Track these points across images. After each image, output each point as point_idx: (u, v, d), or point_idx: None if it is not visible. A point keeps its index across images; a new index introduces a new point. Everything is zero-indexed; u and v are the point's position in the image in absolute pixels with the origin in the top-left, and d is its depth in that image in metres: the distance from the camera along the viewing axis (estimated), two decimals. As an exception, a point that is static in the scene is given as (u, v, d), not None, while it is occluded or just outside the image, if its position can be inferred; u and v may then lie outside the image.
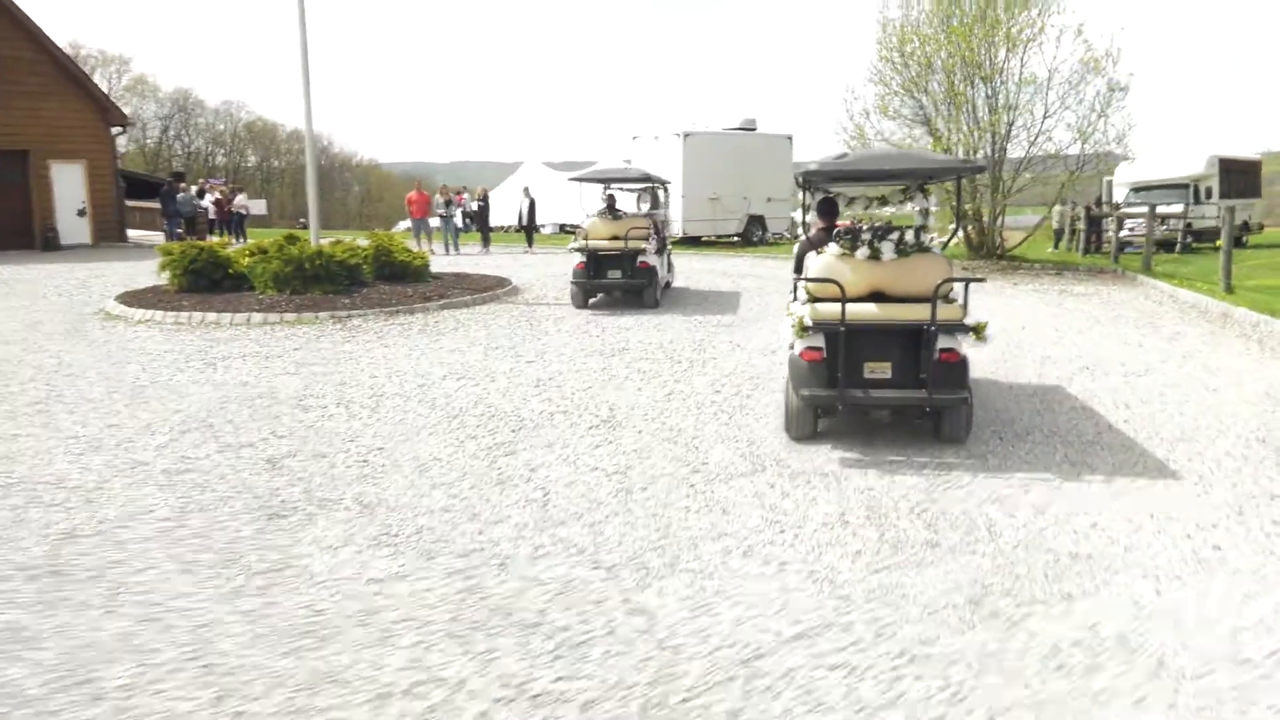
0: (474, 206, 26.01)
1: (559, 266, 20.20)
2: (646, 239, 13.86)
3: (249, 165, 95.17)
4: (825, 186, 8.53)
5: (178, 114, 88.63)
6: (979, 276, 7.38)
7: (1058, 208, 29.94)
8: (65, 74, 24.60)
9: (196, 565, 4.56)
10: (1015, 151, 18.82)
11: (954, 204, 9.16)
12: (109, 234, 25.41)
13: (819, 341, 6.54)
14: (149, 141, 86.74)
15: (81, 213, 24.97)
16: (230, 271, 14.03)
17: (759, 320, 12.53)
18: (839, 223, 8.30)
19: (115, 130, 25.85)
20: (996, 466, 6.07)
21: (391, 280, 14.87)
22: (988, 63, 18.41)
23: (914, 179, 8.17)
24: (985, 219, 19.83)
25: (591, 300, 13.95)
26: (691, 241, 27.03)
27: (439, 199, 24.25)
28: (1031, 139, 18.69)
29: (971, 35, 18.18)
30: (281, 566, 4.55)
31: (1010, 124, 18.64)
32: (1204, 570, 4.42)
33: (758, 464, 6.13)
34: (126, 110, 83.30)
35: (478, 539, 4.87)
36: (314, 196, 14.46)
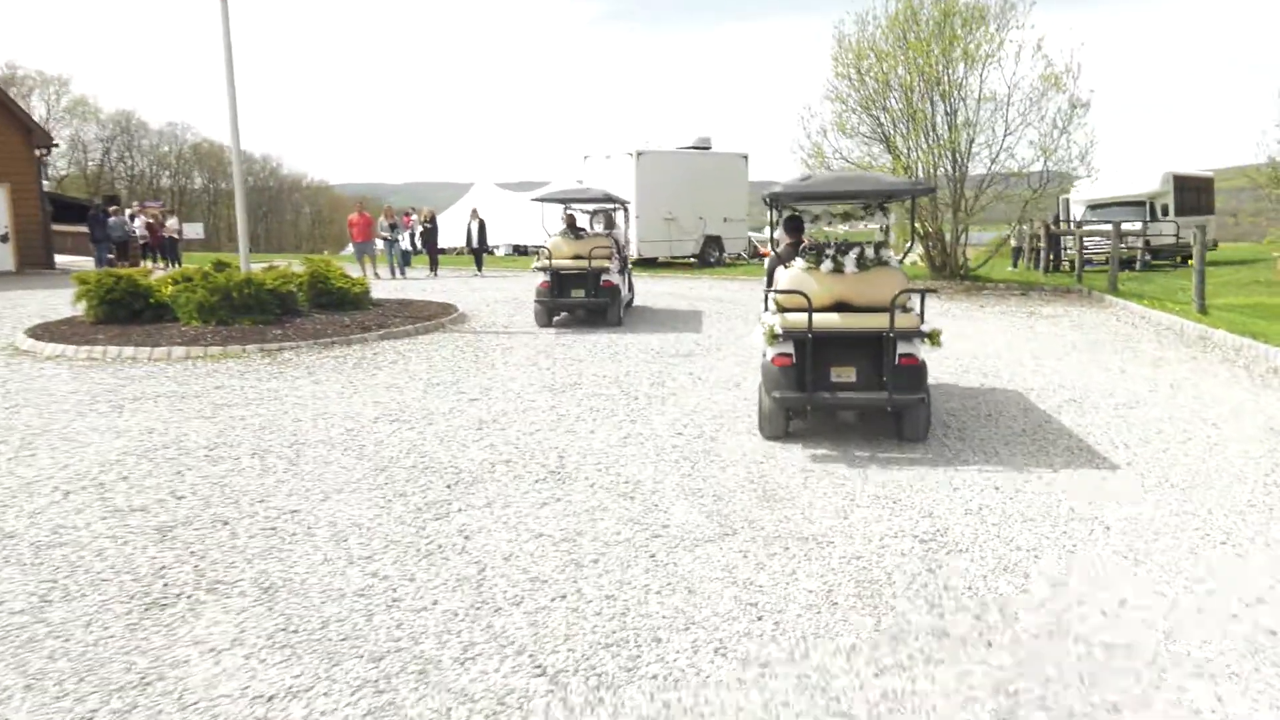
0: (420, 229, 25.09)
1: (510, 290, 19.39)
2: (609, 258, 13.95)
3: (195, 187, 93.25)
4: (791, 205, 8.98)
5: (120, 135, 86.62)
6: (932, 288, 8.91)
7: (1018, 226, 29.83)
8: (-19, 91, 23.34)
9: (42, 679, 3.69)
10: (977, 169, 18.39)
11: (912, 223, 9.99)
12: (34, 260, 24.13)
13: (789, 348, 7.14)
14: (90, 164, 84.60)
15: (4, 238, 23.68)
16: (152, 301, 13.04)
17: (720, 349, 11.82)
18: (803, 238, 8.82)
19: (39, 151, 24.60)
20: (997, 523, 5.37)
21: (329, 309, 13.96)
22: (946, 79, 17.96)
23: (870, 199, 8.72)
24: (947, 238, 19.34)
25: (555, 319, 14.03)
26: (647, 263, 26.33)
27: (383, 221, 23.29)
28: (993, 156, 18.26)
29: (929, 51, 17.73)
30: (151, 679, 3.69)
31: (971, 141, 18.20)
32: (1268, 666, 3.73)
33: (726, 525, 5.37)
34: (66, 132, 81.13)
35: (395, 634, 4.05)
36: (243, 218, 13.54)
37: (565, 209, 16.20)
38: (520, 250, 43.59)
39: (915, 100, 18.19)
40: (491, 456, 6.86)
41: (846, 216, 9.60)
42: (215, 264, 14.60)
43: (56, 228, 30.33)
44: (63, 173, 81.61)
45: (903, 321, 7.05)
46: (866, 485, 6.11)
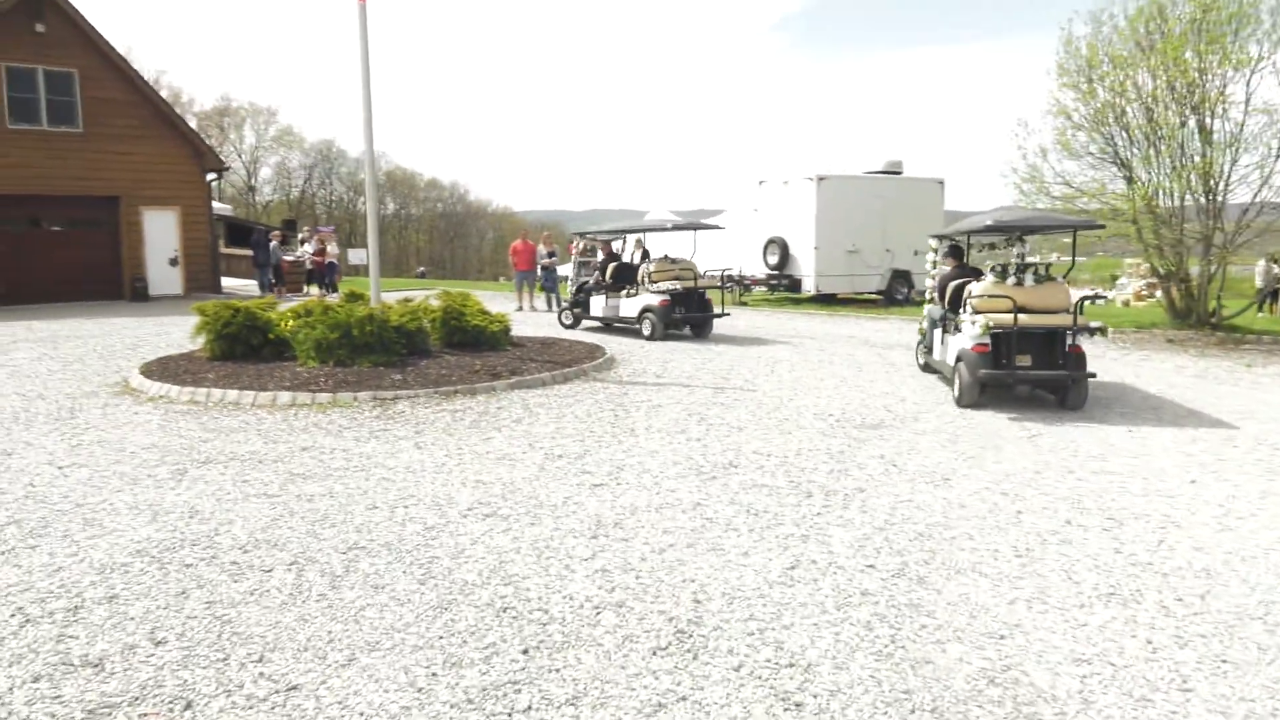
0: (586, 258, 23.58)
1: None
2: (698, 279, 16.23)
3: (387, 212, 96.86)
4: (951, 236, 11.97)
5: (321, 163, 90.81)
6: (1099, 294, 12.91)
7: (1260, 264, 25.68)
8: (159, 116, 23.50)
9: None
10: (1239, 196, 15.13)
11: (1074, 254, 11.65)
12: (202, 283, 24.07)
13: (986, 339, 9.65)
14: (294, 190, 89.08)
15: (174, 262, 23.72)
16: (271, 336, 11.82)
17: (919, 417, 9.44)
18: (964, 262, 11.77)
19: (210, 175, 24.62)
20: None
21: (462, 348, 12.40)
22: (1202, 88, 14.85)
23: (1037, 233, 11.14)
24: (1195, 279, 16.09)
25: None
26: (825, 299, 23.92)
27: (542, 249, 21.91)
28: (1264, 178, 14.91)
29: (1181, 56, 14.70)
30: None
31: (1234, 162, 14.98)
32: None
33: (960, 793, 3.15)
34: (273, 159, 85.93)
35: None
36: (374, 246, 12.18)
37: (639, 238, 18.96)
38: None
39: (1160, 113, 15.16)
40: (599, 594, 4.85)
41: (991, 246, 12.15)
42: (349, 295, 13.36)
43: (230, 251, 30.79)
44: (268, 198, 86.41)
45: (1058, 321, 9.70)
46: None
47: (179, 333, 15.68)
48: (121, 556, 5.39)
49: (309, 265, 24.89)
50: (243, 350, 11.77)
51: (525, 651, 4.18)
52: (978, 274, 11.25)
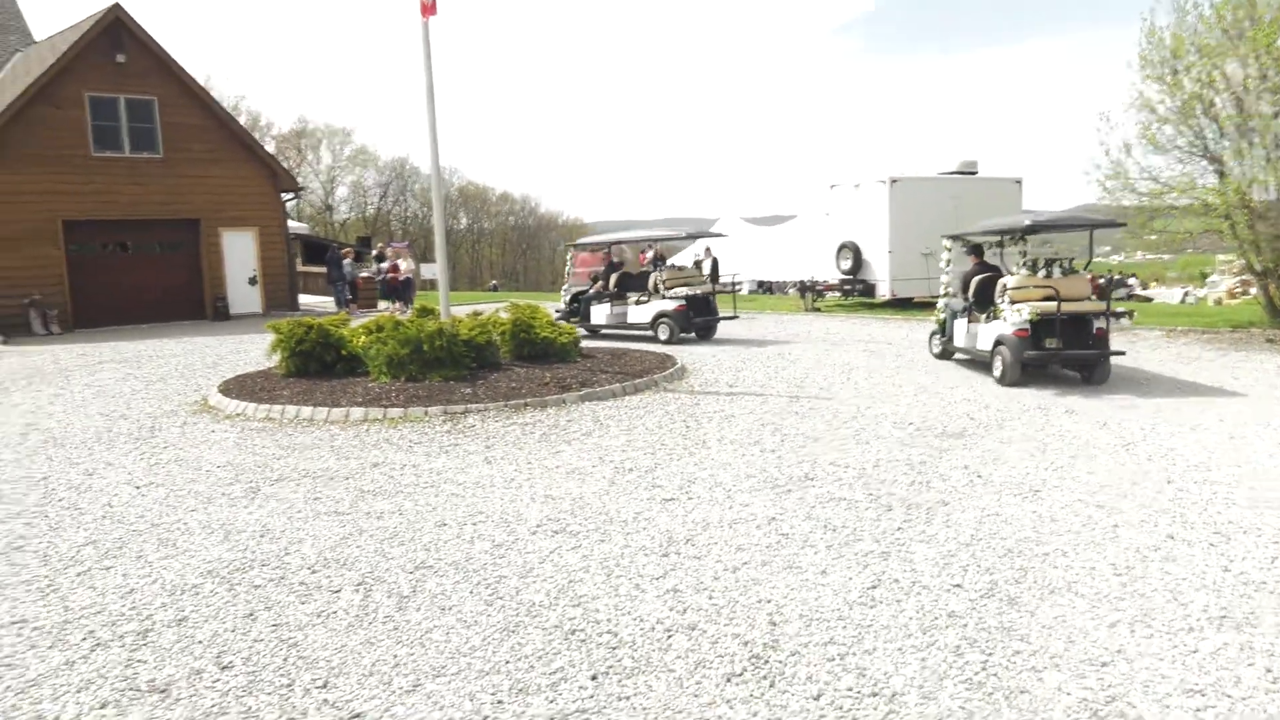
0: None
1: (739, 337, 17.22)
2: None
3: (460, 227, 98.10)
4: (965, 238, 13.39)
5: (395, 180, 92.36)
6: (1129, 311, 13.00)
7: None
8: (235, 139, 24.03)
9: None
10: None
11: (1090, 253, 12.47)
12: (279, 302, 24.54)
13: (1027, 325, 11.01)
14: (369, 208, 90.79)
15: (253, 281, 24.23)
16: (344, 352, 11.91)
17: (1004, 424, 9.07)
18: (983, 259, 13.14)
19: (286, 196, 25.10)
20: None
21: (532, 360, 12.34)
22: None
23: (1061, 230, 12.72)
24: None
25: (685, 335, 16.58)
26: (901, 303, 23.40)
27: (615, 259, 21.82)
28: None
29: (1275, 42, 13.99)
30: None
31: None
32: None
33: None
34: (349, 179, 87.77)
35: None
36: (443, 262, 12.19)
37: (653, 247, 20.18)
38: (765, 287, 41.50)
39: (1251, 104, 14.46)
40: (670, 614, 4.66)
41: (1000, 244, 12.96)
42: (419, 310, 13.41)
43: (307, 269, 31.39)
44: (345, 217, 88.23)
45: (1093, 306, 11.19)
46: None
47: (257, 351, 15.95)
48: (192, 578, 5.38)
49: (380, 280, 25.20)
50: (317, 367, 11.88)
51: (594, 678, 4.01)
52: (996, 270, 12.74)
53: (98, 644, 4.51)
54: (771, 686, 3.90)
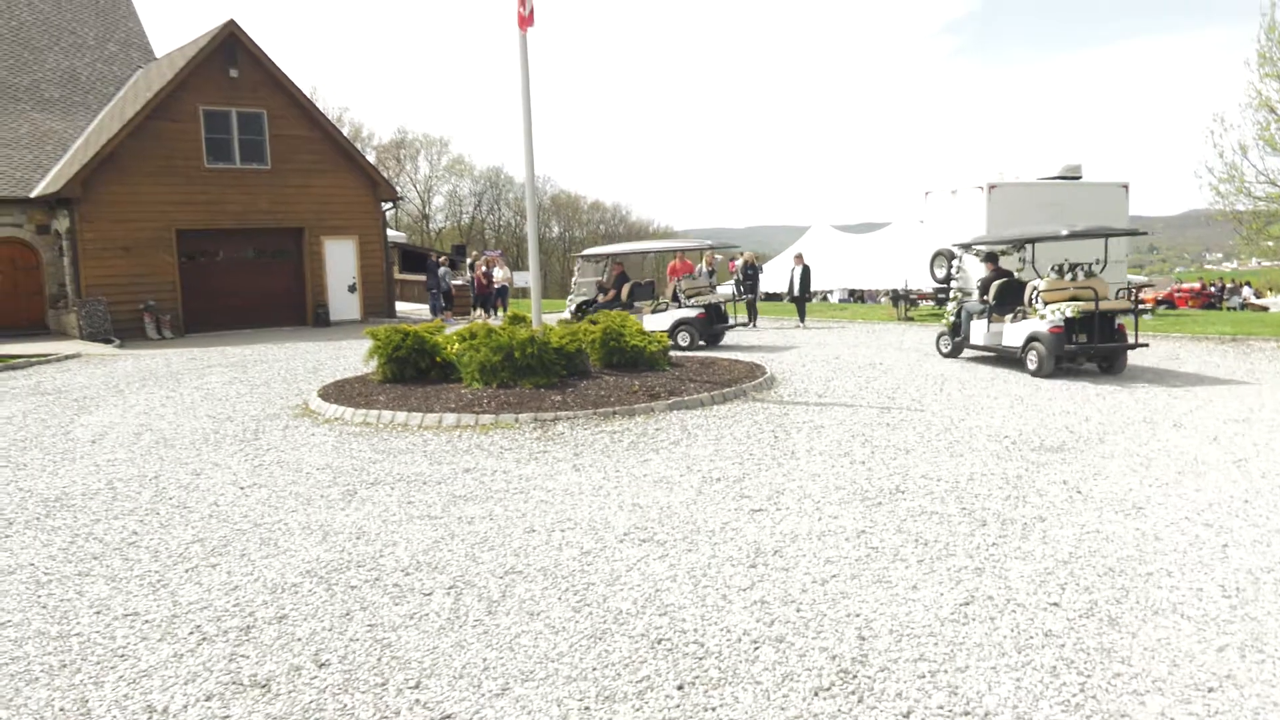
0: (740, 275, 23.39)
1: (831, 346, 17.05)
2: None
3: (552, 235, 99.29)
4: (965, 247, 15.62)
5: (489, 189, 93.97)
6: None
7: None
8: (338, 149, 24.78)
9: None
10: None
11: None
12: (377, 309, 25.21)
13: (1061, 322, 12.43)
14: (464, 217, 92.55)
15: (352, 288, 24.94)
16: (438, 359, 12.17)
17: (1104, 438, 8.78)
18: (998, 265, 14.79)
19: (386, 206, 25.77)
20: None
21: (621, 369, 12.42)
22: None
23: (1078, 239, 13.97)
24: None
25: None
26: (998, 312, 22.83)
27: (703, 267, 21.83)
28: None
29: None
30: None
31: None
32: None
33: None
34: (445, 188, 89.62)
35: None
36: (535, 271, 12.37)
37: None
38: (856, 296, 40.96)
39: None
40: (757, 626, 4.64)
41: (1005, 254, 14.92)
42: (511, 317, 13.63)
43: (404, 276, 32.14)
44: (440, 225, 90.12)
45: (1120, 305, 12.73)
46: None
47: (354, 356, 16.42)
48: (292, 576, 5.57)
49: (475, 289, 25.65)
50: (412, 373, 12.17)
51: (680, 687, 4.02)
52: (1010, 275, 14.42)
53: (204, 638, 4.70)
54: (860, 702, 3.85)
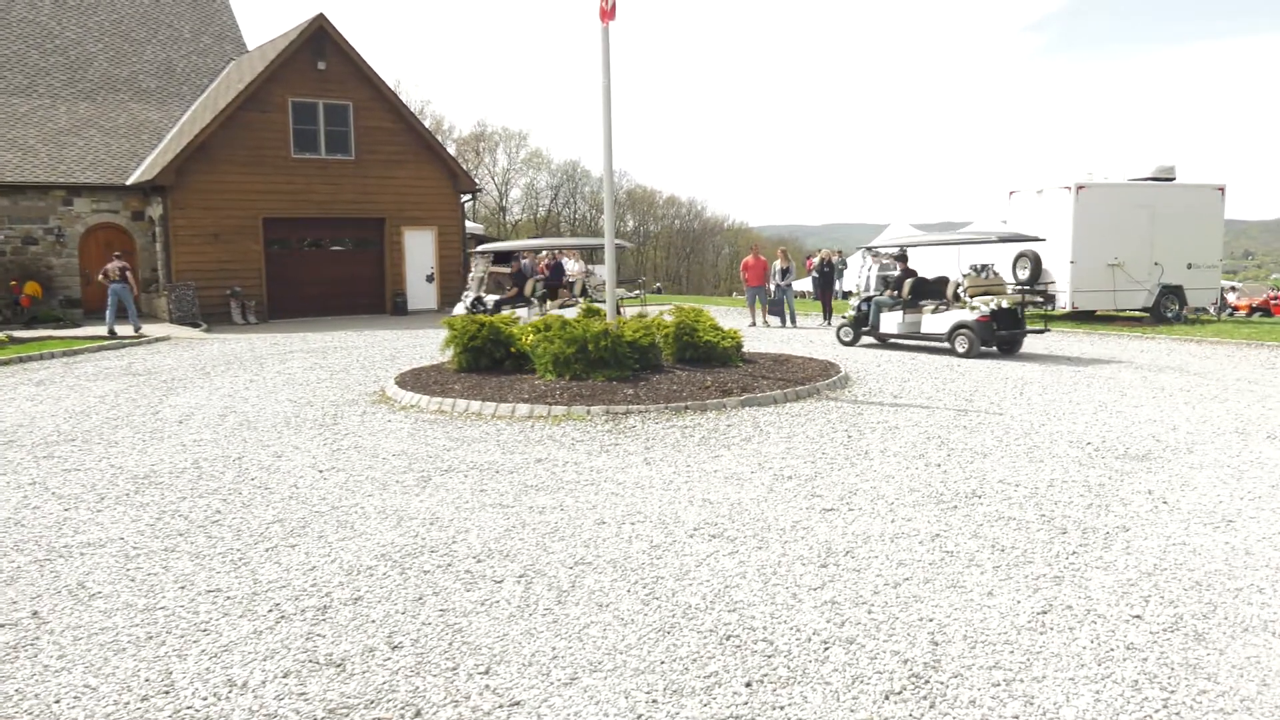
0: (816, 274, 23.17)
1: (906, 346, 16.77)
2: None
3: (626, 229, 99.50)
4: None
5: (566, 183, 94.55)
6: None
7: None
8: (420, 141, 25.20)
9: None
10: None
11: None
12: (454, 299, 25.54)
13: (989, 312, 15.10)
14: (540, 210, 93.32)
15: (430, 278, 25.35)
16: (513, 350, 12.30)
17: (1193, 448, 8.49)
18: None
19: (465, 198, 26.12)
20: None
21: (694, 364, 12.41)
22: None
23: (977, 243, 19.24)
24: None
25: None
26: (1083, 316, 22.23)
27: (777, 265, 21.68)
28: None
29: None
30: None
31: None
32: None
33: None
34: (523, 181, 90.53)
35: None
36: (611, 264, 12.42)
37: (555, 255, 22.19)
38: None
39: None
40: (828, 627, 4.59)
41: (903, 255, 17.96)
42: (585, 310, 13.70)
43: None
44: (517, 218, 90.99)
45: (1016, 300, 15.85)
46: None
47: (431, 345, 16.69)
48: (367, 560, 5.68)
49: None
50: (486, 363, 12.33)
51: (749, 685, 4.00)
52: (915, 273, 17.22)
53: (282, 616, 4.82)
54: (932, 708, 3.78)
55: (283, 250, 24.06)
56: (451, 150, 61.34)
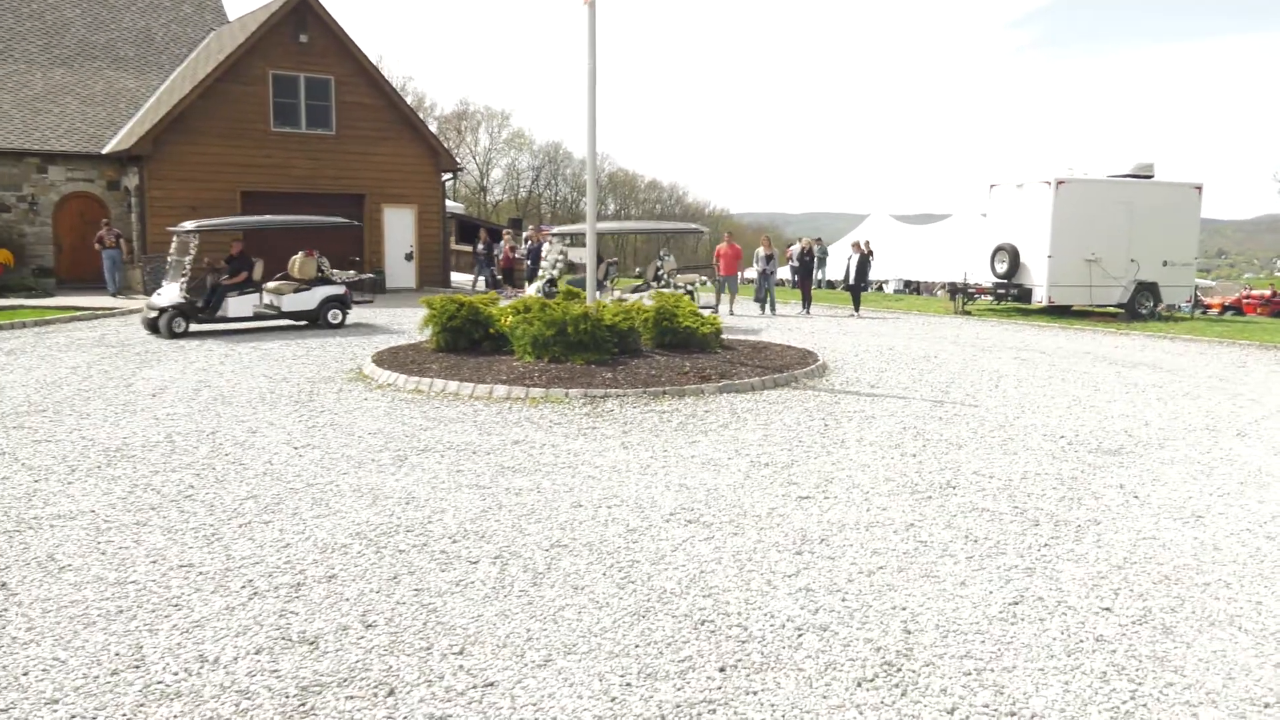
0: (796, 262, 23.21)
1: (885, 336, 16.85)
2: None
3: (608, 213, 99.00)
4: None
5: (548, 164, 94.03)
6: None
7: None
8: (402, 119, 25.00)
9: None
10: None
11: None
12: (432, 278, 25.46)
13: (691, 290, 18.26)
14: (521, 191, 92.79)
15: (409, 257, 25.19)
16: (492, 331, 12.25)
17: (1164, 444, 8.58)
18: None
19: (445, 176, 25.95)
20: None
21: (673, 349, 12.40)
22: None
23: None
24: None
25: None
26: (1059, 311, 22.41)
27: (760, 252, 21.68)
28: None
29: None
30: None
31: None
32: None
33: None
34: (504, 161, 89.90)
35: None
36: (593, 250, 12.38)
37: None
38: (913, 288, 40.43)
39: None
40: (801, 614, 4.61)
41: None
42: (566, 294, 13.67)
43: (459, 248, 32.39)
44: (498, 198, 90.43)
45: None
46: None
47: (409, 324, 16.59)
48: (342, 538, 5.65)
49: (503, 260, 25.69)
50: (465, 343, 12.27)
51: (722, 669, 4.01)
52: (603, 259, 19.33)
53: (255, 593, 4.79)
54: (904, 695, 3.81)
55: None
56: (433, 128, 60.83)
